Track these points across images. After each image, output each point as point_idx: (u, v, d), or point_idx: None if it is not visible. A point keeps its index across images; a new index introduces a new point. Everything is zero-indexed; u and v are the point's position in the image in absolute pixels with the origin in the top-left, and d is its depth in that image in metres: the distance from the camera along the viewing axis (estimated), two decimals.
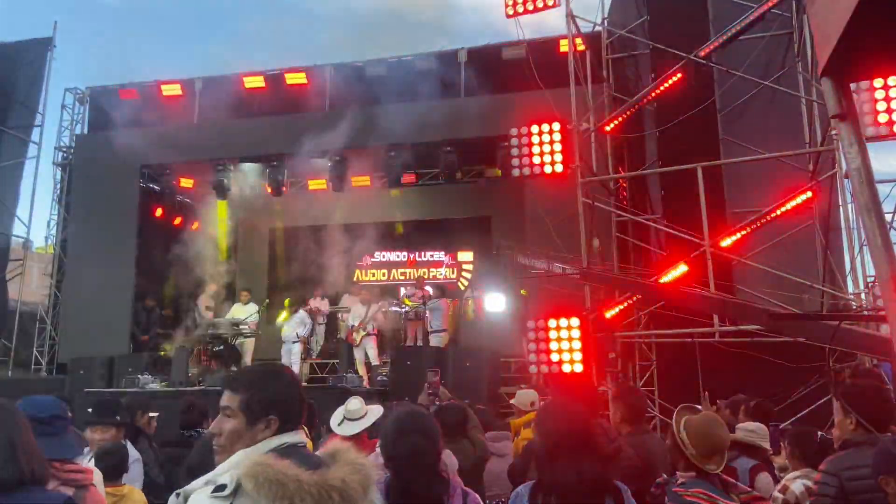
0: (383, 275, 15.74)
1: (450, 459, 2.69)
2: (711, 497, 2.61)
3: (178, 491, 1.74)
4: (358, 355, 11.69)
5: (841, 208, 8.00)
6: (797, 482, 3.26)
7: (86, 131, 14.09)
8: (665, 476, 2.96)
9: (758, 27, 8.67)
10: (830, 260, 8.22)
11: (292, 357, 11.62)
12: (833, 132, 7.93)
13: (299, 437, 1.86)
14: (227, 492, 1.63)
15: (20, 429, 2.11)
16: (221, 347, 11.42)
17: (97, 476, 3.12)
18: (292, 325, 12.01)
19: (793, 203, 8.14)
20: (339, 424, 4.09)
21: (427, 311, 11.89)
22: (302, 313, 12.15)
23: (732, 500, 2.66)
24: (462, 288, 14.11)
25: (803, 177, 8.59)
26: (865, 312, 6.54)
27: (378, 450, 2.67)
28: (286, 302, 12.56)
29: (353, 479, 1.68)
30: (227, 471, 1.70)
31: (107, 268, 12.29)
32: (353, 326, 11.76)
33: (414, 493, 2.37)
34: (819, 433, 3.67)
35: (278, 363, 9.91)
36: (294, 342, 11.92)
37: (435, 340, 11.38)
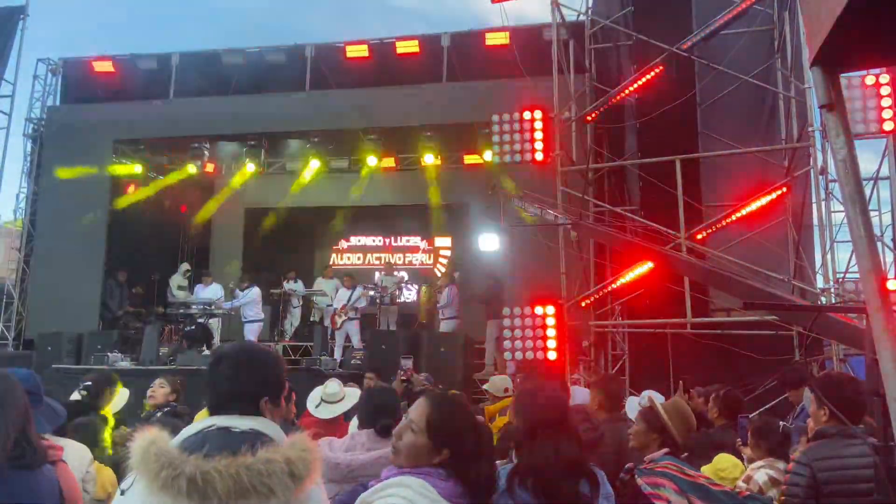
0: (359, 259, 15.68)
1: None
2: (681, 468, 2.75)
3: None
4: (338, 339, 11.63)
5: (814, 205, 8.12)
6: (760, 472, 3.32)
7: (58, 103, 13.76)
8: (633, 464, 3.02)
9: (740, 23, 8.74)
10: (802, 254, 8.35)
11: (249, 338, 11.48)
12: (809, 129, 8.05)
13: None
14: None
15: (25, 406, 2.10)
16: (193, 327, 11.29)
17: (82, 451, 3.06)
18: (243, 303, 11.84)
19: (767, 199, 8.26)
20: (316, 406, 4.07)
21: (439, 298, 11.79)
22: (253, 292, 11.85)
23: (700, 473, 2.77)
24: (438, 274, 14.10)
25: (778, 173, 8.71)
26: (840, 302, 6.66)
27: (356, 432, 2.65)
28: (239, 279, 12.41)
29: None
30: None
31: (77, 243, 12.07)
32: (335, 310, 11.68)
33: (494, 481, 2.24)
34: (781, 423, 3.73)
35: None
36: (248, 321, 11.75)
37: (447, 327, 11.26)
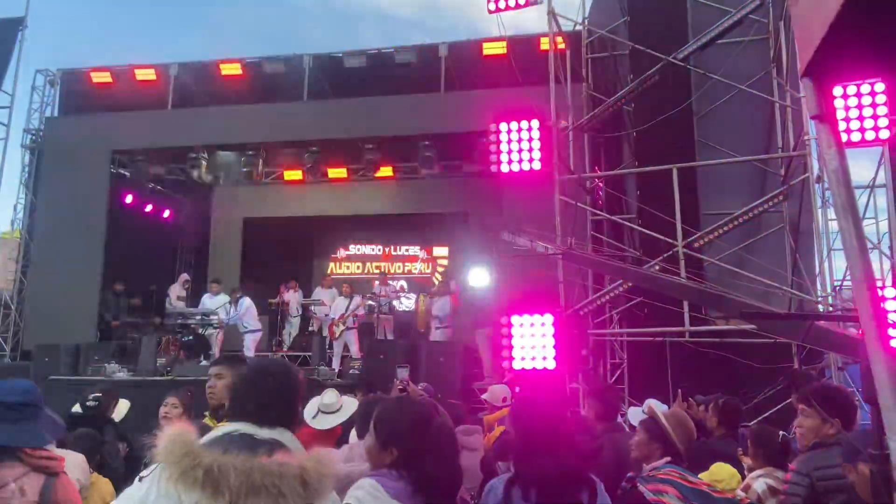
0: (358, 268, 15.69)
1: None
2: (683, 475, 2.77)
3: None
4: (336, 349, 11.58)
5: (812, 212, 8.13)
6: (759, 481, 3.31)
7: (56, 114, 13.79)
8: (634, 473, 3.02)
9: (735, 32, 8.78)
10: (799, 263, 8.35)
11: (249, 348, 11.36)
12: (805, 137, 8.08)
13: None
14: None
15: None
16: (191, 338, 11.24)
17: (78, 459, 3.05)
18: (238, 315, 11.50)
19: (764, 207, 8.28)
20: (313, 417, 4.03)
21: (433, 306, 11.79)
22: (244, 303, 11.44)
23: (702, 480, 2.81)
24: (436, 283, 14.10)
25: (775, 181, 8.73)
26: (835, 311, 6.66)
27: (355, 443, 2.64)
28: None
29: None
30: None
31: (74, 254, 12.06)
32: (333, 319, 11.65)
33: (452, 481, 2.24)
34: (780, 433, 3.72)
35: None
36: (248, 332, 11.44)
37: (440, 335, 11.27)
